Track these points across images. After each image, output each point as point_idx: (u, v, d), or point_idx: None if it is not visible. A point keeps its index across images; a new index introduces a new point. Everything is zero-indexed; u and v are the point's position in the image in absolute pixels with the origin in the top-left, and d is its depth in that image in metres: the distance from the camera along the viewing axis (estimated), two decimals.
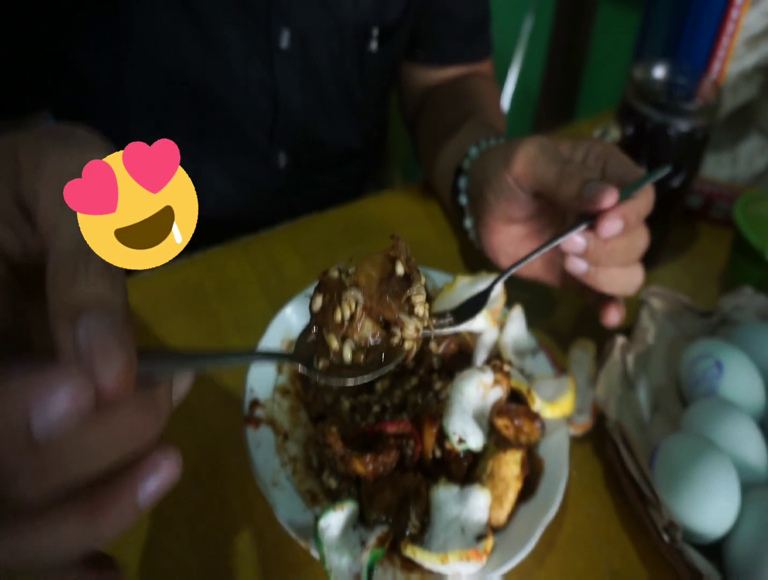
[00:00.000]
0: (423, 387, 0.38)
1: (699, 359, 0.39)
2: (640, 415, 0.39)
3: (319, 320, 0.27)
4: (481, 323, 0.37)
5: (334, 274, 0.28)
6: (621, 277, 0.38)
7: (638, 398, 0.39)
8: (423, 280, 0.28)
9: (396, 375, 0.39)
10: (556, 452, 0.36)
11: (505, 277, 0.36)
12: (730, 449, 0.34)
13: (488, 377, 0.35)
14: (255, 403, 0.37)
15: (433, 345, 0.37)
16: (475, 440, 0.33)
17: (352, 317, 0.26)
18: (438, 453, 0.35)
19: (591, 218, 0.36)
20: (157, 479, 0.18)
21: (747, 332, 0.42)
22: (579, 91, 1.27)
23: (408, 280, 0.28)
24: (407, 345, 0.27)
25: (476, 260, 0.51)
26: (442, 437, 0.34)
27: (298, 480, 0.35)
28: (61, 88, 0.55)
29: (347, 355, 0.26)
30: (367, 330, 0.27)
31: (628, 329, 0.43)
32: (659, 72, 0.51)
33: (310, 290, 0.41)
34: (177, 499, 0.35)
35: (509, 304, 0.42)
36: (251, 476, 0.34)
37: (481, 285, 0.39)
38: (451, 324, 0.33)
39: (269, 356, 0.27)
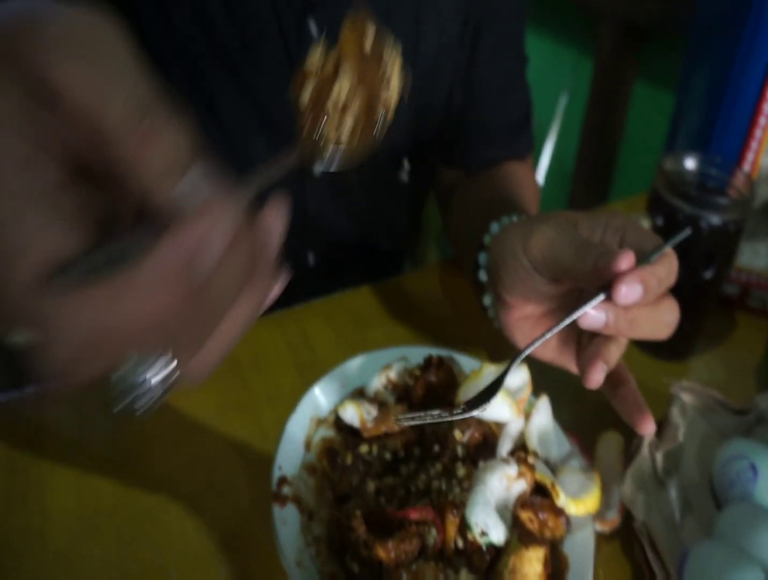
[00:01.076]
0: (447, 473, 0.38)
1: (732, 460, 0.38)
2: (670, 514, 0.38)
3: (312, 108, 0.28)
4: (506, 413, 0.38)
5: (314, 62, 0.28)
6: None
7: (669, 496, 0.39)
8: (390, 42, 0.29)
9: (421, 460, 0.39)
10: (581, 549, 0.35)
11: (519, 360, 0.35)
12: (765, 559, 0.33)
13: (512, 468, 0.35)
14: (282, 480, 0.37)
15: (457, 433, 0.38)
16: (497, 533, 0.33)
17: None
18: (460, 544, 0.34)
19: (608, 288, 0.33)
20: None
21: None
22: (614, 169, 1.28)
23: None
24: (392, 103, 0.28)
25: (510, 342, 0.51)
26: (464, 527, 0.34)
27: (321, 562, 0.35)
28: None
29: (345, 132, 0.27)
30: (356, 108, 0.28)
31: (657, 424, 0.43)
32: (690, 163, 0.52)
33: (338, 371, 0.42)
34: (204, 570, 0.36)
35: (536, 392, 0.42)
36: (276, 552, 0.34)
37: (510, 377, 0.39)
38: (465, 411, 0.32)
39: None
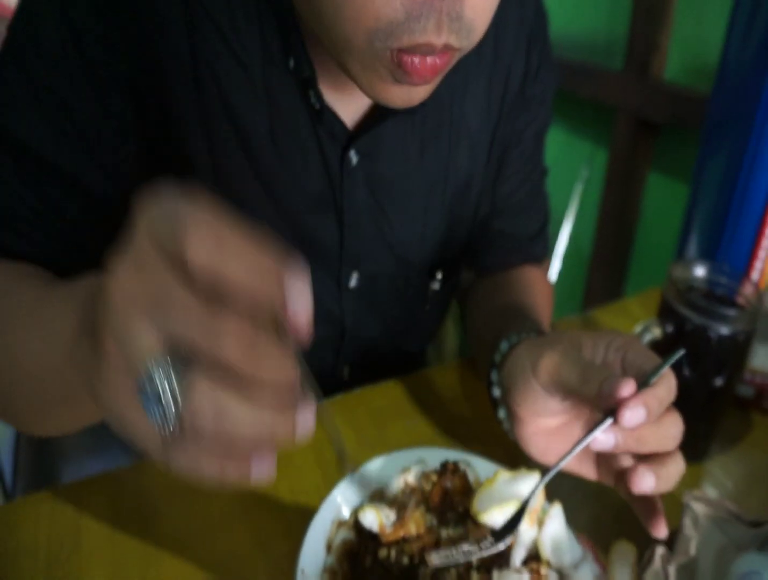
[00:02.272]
0: None
1: (747, 577, 0.39)
2: None
3: None
4: (521, 524, 0.39)
5: None
6: (667, 471, 0.38)
7: None
8: None
9: (437, 567, 0.40)
10: None
11: (538, 489, 0.38)
12: None
13: (525, 579, 0.36)
14: None
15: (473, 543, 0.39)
16: None
17: None
18: None
19: (614, 412, 0.36)
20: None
21: None
22: (630, 256, 1.31)
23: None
24: None
25: None
26: None
27: None
28: None
29: None
30: None
31: (670, 533, 0.43)
32: (699, 271, 0.55)
33: (358, 474, 0.44)
34: None
35: (548, 498, 0.43)
36: None
37: (522, 483, 0.41)
38: (492, 544, 0.34)
39: None
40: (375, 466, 0.46)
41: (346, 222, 0.55)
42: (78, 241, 0.50)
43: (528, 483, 0.41)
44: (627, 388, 0.36)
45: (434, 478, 0.43)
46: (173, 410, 0.23)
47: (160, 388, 0.23)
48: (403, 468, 0.45)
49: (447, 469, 0.44)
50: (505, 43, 0.57)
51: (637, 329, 0.53)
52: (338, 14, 0.35)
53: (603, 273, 1.29)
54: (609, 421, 0.37)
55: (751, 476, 0.54)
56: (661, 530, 0.39)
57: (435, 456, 0.46)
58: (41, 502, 0.47)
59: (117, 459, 0.77)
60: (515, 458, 0.48)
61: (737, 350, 0.50)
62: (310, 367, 0.48)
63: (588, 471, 0.44)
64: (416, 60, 0.36)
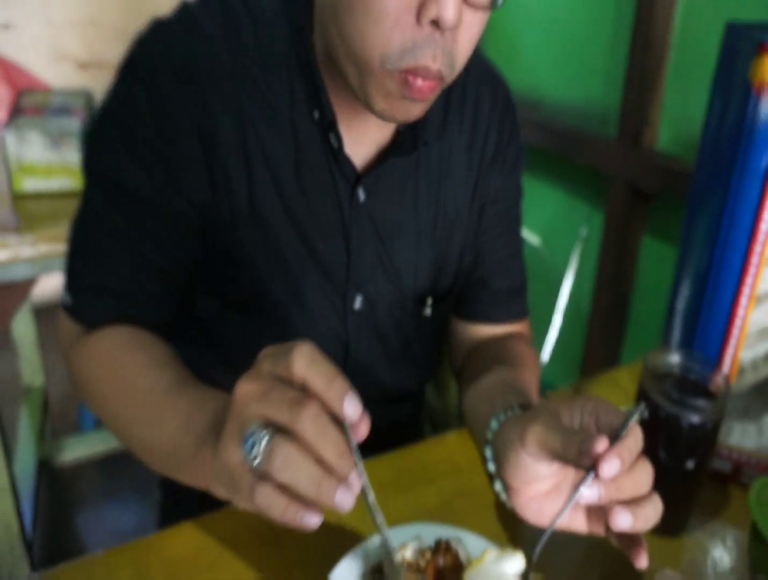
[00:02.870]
0: None
1: None
2: None
3: None
4: None
5: None
6: (646, 514, 0.44)
7: None
8: None
9: None
10: None
11: (536, 556, 0.44)
12: None
13: None
14: None
15: None
16: None
17: None
18: None
19: (594, 467, 0.43)
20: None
21: None
22: (627, 315, 1.36)
23: None
24: None
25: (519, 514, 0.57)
26: None
27: None
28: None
29: None
30: None
31: None
32: (674, 359, 0.60)
33: (360, 549, 0.49)
34: None
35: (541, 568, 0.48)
36: None
37: (507, 563, 0.45)
38: None
39: None
40: (376, 541, 0.51)
41: (352, 249, 0.64)
42: (177, 288, 0.64)
43: (511, 563, 0.46)
44: (601, 444, 0.42)
45: (428, 555, 0.48)
46: (260, 458, 0.37)
47: (255, 441, 0.37)
48: (401, 544, 0.50)
49: (440, 547, 0.49)
50: (481, 117, 0.69)
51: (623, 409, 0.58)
52: (363, 40, 0.49)
53: (601, 332, 1.34)
54: (591, 475, 0.43)
55: (729, 550, 0.58)
56: (642, 562, 0.46)
57: (431, 532, 0.51)
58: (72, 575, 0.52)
59: (127, 502, 0.85)
60: (508, 529, 0.52)
61: (706, 436, 0.55)
62: None
63: (579, 525, 0.49)
64: (417, 80, 0.50)
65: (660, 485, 0.55)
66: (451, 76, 0.52)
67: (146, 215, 0.59)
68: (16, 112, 1.29)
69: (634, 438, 0.45)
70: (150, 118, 0.57)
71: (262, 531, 0.56)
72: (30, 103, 1.32)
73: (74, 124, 1.27)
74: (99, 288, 0.60)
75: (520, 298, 0.79)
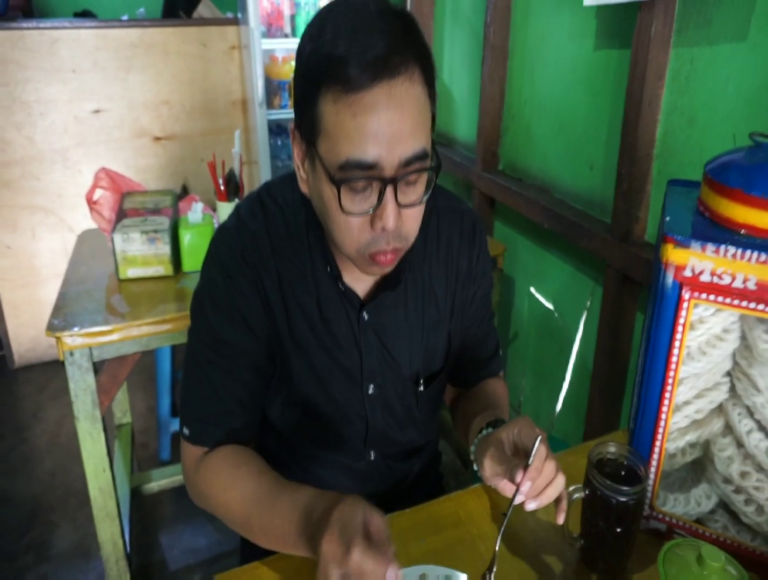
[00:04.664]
0: None
1: None
2: None
3: None
4: None
5: None
6: (552, 492, 0.76)
7: None
8: None
9: None
10: None
11: (498, 541, 0.76)
12: None
13: None
14: None
15: None
16: None
17: None
18: None
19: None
20: None
21: None
22: (624, 388, 1.57)
23: None
24: None
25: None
26: None
27: None
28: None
29: None
30: None
31: None
32: (612, 450, 0.83)
33: None
34: None
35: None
36: None
37: None
38: None
39: None
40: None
41: (363, 354, 0.91)
42: (254, 405, 0.91)
43: None
44: (518, 477, 0.74)
45: None
46: None
47: None
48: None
49: None
50: (452, 246, 0.94)
51: (572, 489, 0.82)
52: (342, 240, 0.76)
53: (603, 394, 1.55)
54: (517, 493, 0.75)
55: None
56: (559, 519, 0.78)
57: (434, 572, 0.76)
58: None
59: (200, 524, 1.46)
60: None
61: (630, 511, 0.78)
62: (344, 453, 0.97)
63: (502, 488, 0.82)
64: (380, 257, 0.75)
65: (601, 543, 0.80)
66: (406, 245, 0.78)
67: (234, 354, 0.87)
68: (120, 213, 1.61)
69: (539, 458, 0.75)
70: (225, 290, 0.84)
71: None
72: (130, 205, 1.64)
73: (165, 222, 1.58)
74: (210, 417, 0.87)
75: (496, 359, 1.08)
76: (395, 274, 0.88)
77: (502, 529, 0.77)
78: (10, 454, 2.46)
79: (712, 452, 0.86)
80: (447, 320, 0.97)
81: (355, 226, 0.73)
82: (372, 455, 0.99)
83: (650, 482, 0.85)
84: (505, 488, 0.81)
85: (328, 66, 0.67)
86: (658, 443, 0.85)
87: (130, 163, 2.83)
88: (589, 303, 1.63)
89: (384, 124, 0.66)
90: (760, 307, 0.72)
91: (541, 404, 2.00)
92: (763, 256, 0.70)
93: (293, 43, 2.74)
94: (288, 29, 2.81)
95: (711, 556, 0.71)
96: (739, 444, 0.82)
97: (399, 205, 0.72)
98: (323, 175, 0.72)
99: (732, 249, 0.72)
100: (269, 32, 2.77)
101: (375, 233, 0.73)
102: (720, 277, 0.73)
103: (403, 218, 0.74)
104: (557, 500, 0.78)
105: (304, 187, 0.81)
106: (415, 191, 0.74)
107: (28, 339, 2.92)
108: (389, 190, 0.70)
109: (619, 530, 0.79)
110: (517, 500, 0.76)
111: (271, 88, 2.86)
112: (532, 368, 2.04)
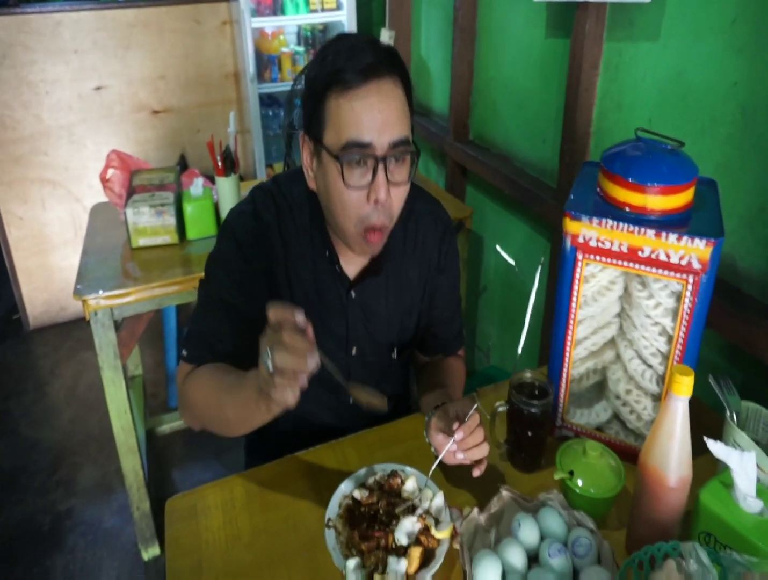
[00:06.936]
0: (395, 519, 0.94)
1: (514, 528, 0.93)
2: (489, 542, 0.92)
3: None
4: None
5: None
6: (477, 453, 0.94)
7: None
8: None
9: (387, 514, 0.95)
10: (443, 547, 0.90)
11: (432, 470, 0.95)
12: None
13: (418, 525, 0.91)
14: (329, 520, 0.95)
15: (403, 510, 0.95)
16: (405, 541, 0.89)
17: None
18: (393, 546, 0.91)
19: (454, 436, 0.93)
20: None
21: None
22: None
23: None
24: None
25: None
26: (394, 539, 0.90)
27: (342, 548, 0.92)
28: None
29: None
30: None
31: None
32: (528, 375, 1.08)
33: (353, 476, 1.00)
34: None
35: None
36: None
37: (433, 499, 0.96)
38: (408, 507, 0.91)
39: None
40: (362, 472, 1.02)
41: (349, 323, 1.13)
42: (241, 345, 1.09)
43: (437, 499, 0.97)
44: (455, 426, 0.93)
45: (385, 478, 0.99)
46: (271, 365, 0.71)
47: (268, 356, 0.71)
48: (373, 473, 1.01)
49: (394, 474, 0.99)
50: (427, 244, 1.17)
51: (497, 404, 1.07)
52: (344, 216, 0.94)
53: (550, 338, 1.80)
54: (453, 439, 0.94)
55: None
56: (475, 473, 0.96)
57: (391, 468, 1.02)
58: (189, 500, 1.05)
59: (207, 462, 1.68)
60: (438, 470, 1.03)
61: (539, 419, 1.04)
62: (329, 397, 1.21)
63: (451, 460, 0.99)
64: (371, 235, 0.95)
65: (519, 445, 1.06)
66: (391, 224, 0.97)
67: (233, 309, 1.08)
68: (130, 189, 1.83)
69: (472, 419, 0.94)
70: (236, 260, 1.04)
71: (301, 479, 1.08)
72: (138, 182, 1.86)
73: (170, 197, 1.80)
74: (204, 344, 1.09)
75: (458, 340, 1.30)
76: (378, 262, 1.09)
77: (435, 465, 0.97)
78: (33, 407, 2.74)
79: (606, 376, 1.11)
80: (418, 304, 1.20)
81: (355, 199, 0.91)
82: (351, 399, 1.23)
83: (561, 400, 1.11)
84: (441, 443, 0.96)
85: (331, 76, 0.89)
86: (565, 370, 1.10)
87: (131, 136, 3.01)
88: (543, 259, 1.87)
89: (375, 112, 0.88)
90: (631, 265, 0.96)
91: (506, 348, 2.26)
92: (630, 227, 0.94)
93: (279, 21, 2.89)
94: (276, 7, 2.96)
95: (592, 447, 0.98)
96: (625, 369, 1.07)
97: (388, 181, 0.91)
98: (329, 160, 0.91)
99: (610, 222, 0.95)
100: (258, 10, 2.92)
101: (369, 206, 0.92)
102: (603, 242, 0.97)
103: (392, 197, 0.93)
104: (478, 461, 0.95)
105: (312, 184, 1.00)
106: (401, 173, 0.93)
107: (41, 302, 3.16)
108: (381, 168, 0.90)
109: (530, 434, 1.05)
110: (450, 446, 0.93)
111: (262, 62, 3.02)
112: (498, 317, 2.30)
